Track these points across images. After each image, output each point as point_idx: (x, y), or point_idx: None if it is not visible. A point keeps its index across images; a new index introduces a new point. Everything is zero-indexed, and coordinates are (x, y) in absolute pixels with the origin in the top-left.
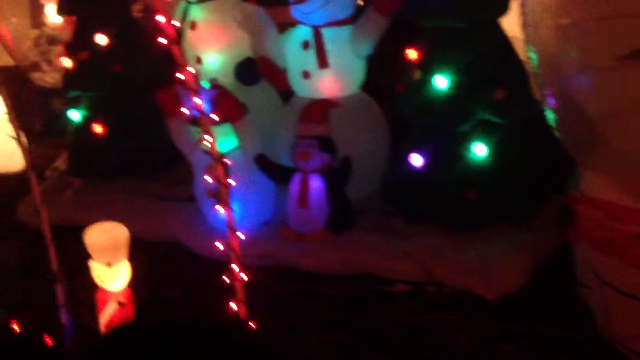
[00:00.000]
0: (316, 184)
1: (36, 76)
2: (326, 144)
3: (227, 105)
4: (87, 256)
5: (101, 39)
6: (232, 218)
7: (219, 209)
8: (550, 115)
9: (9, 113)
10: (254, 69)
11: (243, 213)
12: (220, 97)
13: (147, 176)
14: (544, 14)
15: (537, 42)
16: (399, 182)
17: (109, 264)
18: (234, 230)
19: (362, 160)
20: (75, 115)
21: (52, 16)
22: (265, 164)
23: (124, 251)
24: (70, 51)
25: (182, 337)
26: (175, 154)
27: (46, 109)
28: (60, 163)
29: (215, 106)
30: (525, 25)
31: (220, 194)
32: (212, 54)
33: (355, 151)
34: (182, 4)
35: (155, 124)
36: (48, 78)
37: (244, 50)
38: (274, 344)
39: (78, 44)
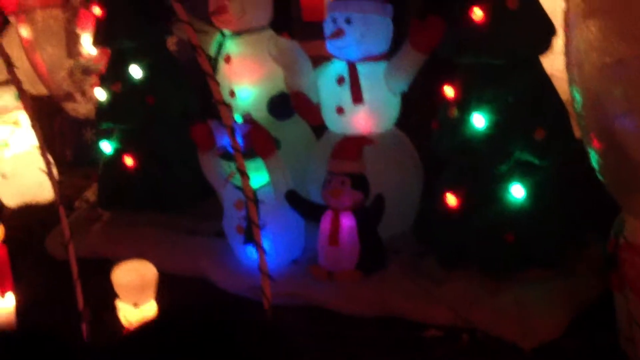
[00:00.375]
0: (348, 222)
1: (69, 106)
2: (359, 182)
3: (260, 140)
4: (114, 291)
5: (135, 71)
6: (264, 259)
7: (250, 248)
8: (594, 158)
9: (41, 146)
10: (287, 104)
11: (272, 250)
12: (253, 132)
13: (177, 210)
14: (588, 53)
15: (582, 81)
16: (433, 222)
17: (135, 305)
18: (266, 273)
19: (394, 198)
20: (106, 147)
21: (88, 47)
22: (296, 201)
23: (152, 291)
24: (104, 83)
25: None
26: (205, 188)
27: (78, 139)
28: (90, 194)
29: (248, 141)
30: (569, 65)
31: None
32: (245, 87)
33: (388, 189)
34: (217, 37)
35: (186, 157)
36: (81, 109)
37: (278, 84)
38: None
39: (112, 75)
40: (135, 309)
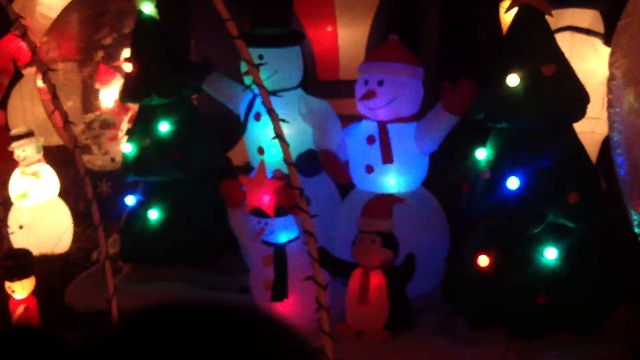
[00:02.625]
0: (377, 280)
1: (85, 159)
2: (389, 240)
3: (291, 197)
4: None
5: (164, 127)
6: (326, 319)
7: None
8: (636, 222)
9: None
10: (315, 161)
11: (299, 306)
12: (284, 189)
13: (197, 265)
14: (631, 119)
15: (625, 146)
16: (462, 282)
17: None
18: (328, 333)
19: (421, 257)
20: (130, 200)
21: (105, 101)
22: (325, 258)
23: None
24: (131, 136)
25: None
26: (225, 243)
27: (94, 192)
28: (109, 246)
29: (280, 197)
30: (612, 130)
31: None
32: (274, 144)
33: (415, 248)
34: (248, 95)
35: (208, 212)
36: (97, 161)
37: (306, 142)
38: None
39: (139, 129)
40: None
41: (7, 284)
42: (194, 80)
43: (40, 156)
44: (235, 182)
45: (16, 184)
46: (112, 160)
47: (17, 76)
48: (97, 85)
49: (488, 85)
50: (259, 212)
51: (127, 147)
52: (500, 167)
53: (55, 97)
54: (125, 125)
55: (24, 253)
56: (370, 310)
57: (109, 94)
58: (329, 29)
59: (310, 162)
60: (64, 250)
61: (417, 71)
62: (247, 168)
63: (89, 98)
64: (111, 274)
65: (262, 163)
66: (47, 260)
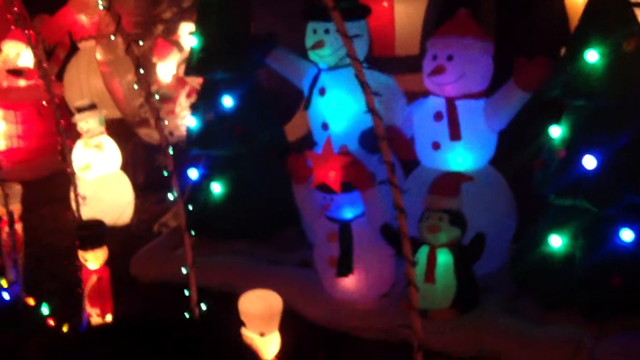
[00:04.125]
0: (444, 259)
1: (143, 132)
2: (457, 219)
3: (358, 173)
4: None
5: (227, 101)
6: (415, 297)
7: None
8: None
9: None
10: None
11: (363, 283)
12: (351, 165)
13: (259, 239)
14: None
15: None
16: (532, 262)
17: (262, 334)
18: (417, 311)
19: (487, 236)
20: (193, 173)
21: (163, 75)
22: (391, 235)
23: (277, 321)
24: (196, 110)
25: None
26: (287, 218)
27: (150, 164)
28: (169, 219)
29: (346, 174)
30: None
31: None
32: (339, 120)
33: (482, 227)
34: (313, 71)
35: (271, 186)
36: (155, 134)
37: (370, 118)
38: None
39: (204, 104)
40: (262, 338)
41: (81, 254)
42: (258, 55)
43: (103, 129)
44: (301, 157)
45: (79, 155)
46: (170, 134)
47: (73, 50)
48: (154, 59)
49: (565, 61)
50: (324, 188)
51: (191, 121)
52: (576, 146)
53: (139, 68)
54: (183, 100)
55: (98, 223)
56: (436, 288)
57: (166, 68)
58: (385, 4)
59: (375, 138)
60: (126, 222)
61: (487, 46)
62: (300, 144)
63: (147, 72)
64: (190, 246)
65: (329, 139)
66: (110, 232)
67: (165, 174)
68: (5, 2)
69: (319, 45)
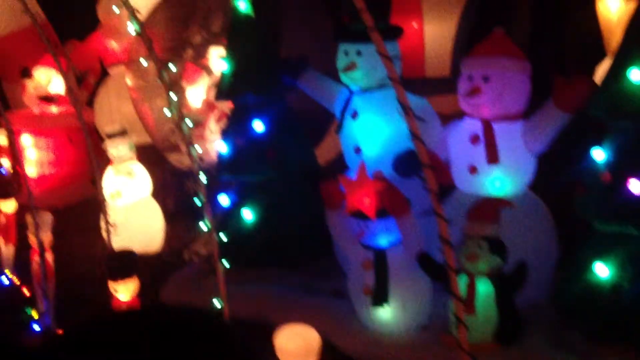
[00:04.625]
0: (484, 288)
1: (173, 157)
2: (497, 246)
3: (393, 199)
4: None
5: (258, 125)
6: (465, 335)
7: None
8: None
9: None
10: (414, 161)
11: (400, 314)
12: (386, 191)
13: (291, 267)
14: None
15: None
16: (578, 292)
17: None
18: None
19: (529, 265)
20: (224, 200)
21: (192, 99)
22: (428, 263)
23: (314, 359)
24: (226, 135)
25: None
26: (320, 245)
27: (180, 190)
28: (200, 247)
29: (382, 199)
30: None
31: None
32: (372, 144)
33: (522, 255)
34: (344, 93)
35: (303, 212)
36: (185, 160)
37: (404, 141)
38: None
39: (234, 128)
40: None
41: (111, 284)
42: (289, 78)
43: (133, 155)
44: (334, 183)
45: (110, 182)
46: (201, 159)
47: (103, 75)
48: (183, 84)
49: (608, 80)
50: (359, 214)
51: (221, 146)
52: (621, 169)
53: (169, 91)
54: (212, 124)
55: (128, 253)
56: (477, 320)
57: (195, 93)
58: (415, 24)
59: (409, 162)
60: (156, 250)
61: (524, 66)
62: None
63: (177, 97)
64: (223, 277)
65: (362, 164)
66: (141, 260)
67: (198, 202)
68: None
69: (351, 67)
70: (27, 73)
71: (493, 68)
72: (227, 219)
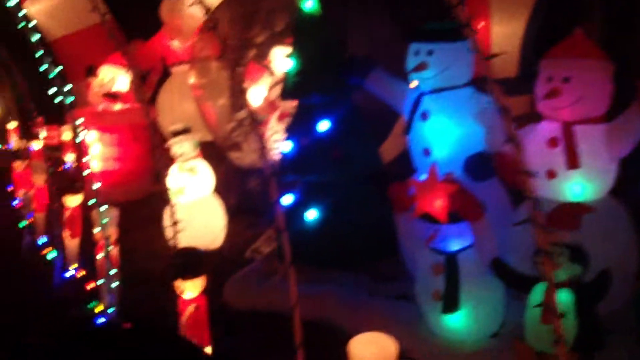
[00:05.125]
0: (564, 298)
1: (234, 155)
2: (577, 254)
3: (466, 202)
4: None
5: (323, 125)
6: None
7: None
8: None
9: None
10: (488, 165)
11: (472, 321)
12: (458, 194)
13: (355, 268)
14: None
15: None
16: None
17: None
18: None
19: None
20: (288, 199)
21: (254, 99)
22: (502, 270)
23: None
24: (290, 135)
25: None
26: (385, 247)
27: (241, 188)
28: (262, 245)
29: (454, 203)
30: None
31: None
32: (442, 146)
33: (603, 262)
34: (413, 94)
35: (368, 214)
36: (246, 158)
37: (476, 144)
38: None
39: (299, 128)
40: None
41: (178, 283)
42: (356, 78)
43: (196, 152)
44: (403, 185)
45: (173, 179)
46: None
47: (165, 74)
48: (246, 83)
49: None
50: (429, 218)
51: (286, 146)
52: None
53: (241, 92)
54: (274, 123)
55: (195, 251)
56: (555, 329)
57: (257, 92)
58: (482, 24)
59: (482, 165)
60: (218, 246)
61: (606, 67)
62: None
63: (238, 96)
64: (295, 280)
65: (434, 166)
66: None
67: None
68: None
69: (421, 67)
70: (92, 71)
71: (574, 69)
72: (290, 220)
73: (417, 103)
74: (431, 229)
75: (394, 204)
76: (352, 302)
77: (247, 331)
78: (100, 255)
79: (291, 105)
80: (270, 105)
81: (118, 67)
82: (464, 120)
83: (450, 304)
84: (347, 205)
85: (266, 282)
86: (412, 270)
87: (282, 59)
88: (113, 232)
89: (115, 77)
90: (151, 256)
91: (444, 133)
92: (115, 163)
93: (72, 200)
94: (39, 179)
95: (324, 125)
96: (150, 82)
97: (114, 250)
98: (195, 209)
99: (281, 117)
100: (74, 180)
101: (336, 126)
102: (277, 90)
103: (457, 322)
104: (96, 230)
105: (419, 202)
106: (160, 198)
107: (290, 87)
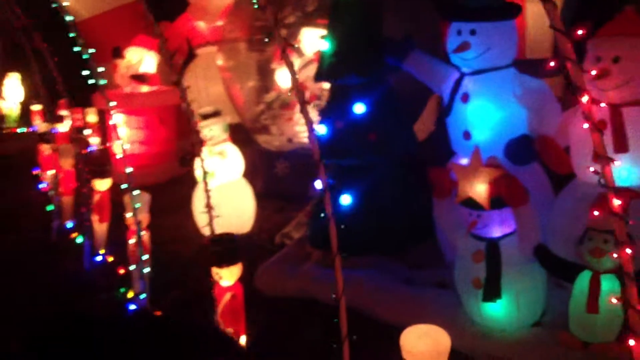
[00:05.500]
0: (610, 286)
1: (262, 139)
2: None
3: (510, 187)
4: None
5: (359, 107)
6: None
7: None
8: None
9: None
10: (530, 148)
11: (513, 309)
12: (502, 179)
13: (390, 255)
14: None
15: None
16: None
17: None
18: None
19: None
20: (319, 184)
21: (281, 81)
22: (547, 257)
23: None
24: (325, 118)
25: None
26: (421, 232)
27: (269, 171)
28: (292, 230)
29: (497, 188)
30: None
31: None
32: (482, 129)
33: None
34: (454, 75)
35: (404, 198)
36: (275, 142)
37: (518, 127)
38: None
39: (334, 110)
40: None
41: (215, 270)
42: (394, 59)
43: (226, 136)
44: (444, 170)
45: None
46: (289, 141)
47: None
48: (273, 65)
49: None
50: (471, 204)
51: (320, 129)
52: None
53: (294, 74)
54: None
55: (231, 238)
56: (601, 319)
57: (285, 74)
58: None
59: (524, 149)
60: (247, 231)
61: None
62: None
63: (267, 78)
64: (340, 269)
65: (477, 149)
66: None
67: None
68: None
69: (464, 47)
70: (118, 53)
71: (624, 48)
72: (323, 204)
73: (457, 84)
74: (473, 215)
75: (434, 188)
76: (389, 289)
77: (279, 318)
78: (132, 241)
79: (319, 86)
80: (302, 87)
81: (145, 49)
82: (506, 103)
83: (492, 292)
84: (383, 190)
85: (298, 267)
86: (449, 257)
87: (312, 40)
88: (145, 218)
89: (142, 59)
90: (179, 240)
91: (485, 116)
92: (141, 146)
93: (101, 184)
94: (66, 163)
95: (360, 108)
96: (175, 64)
97: (145, 235)
98: (225, 193)
99: (310, 99)
100: (104, 164)
101: (373, 109)
102: (307, 71)
103: (498, 311)
104: (128, 215)
105: (461, 187)
106: (184, 181)
107: (326, 69)
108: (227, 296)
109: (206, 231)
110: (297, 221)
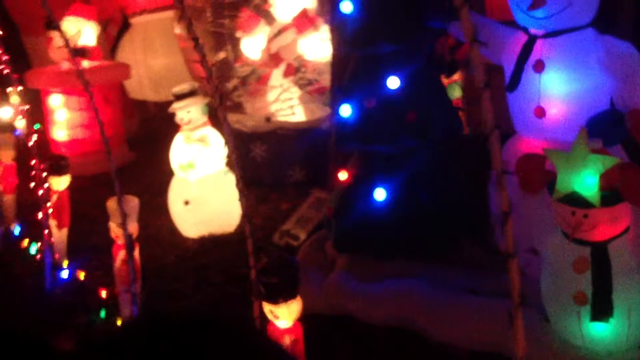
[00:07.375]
0: None
1: (233, 118)
2: None
3: (631, 180)
4: None
5: (392, 82)
6: None
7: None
8: None
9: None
10: (619, 124)
11: (624, 327)
12: (620, 169)
13: (436, 258)
14: None
15: None
16: None
17: None
18: None
19: None
20: (344, 175)
21: (248, 51)
22: None
23: None
24: (348, 95)
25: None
26: (469, 230)
27: (245, 157)
28: (294, 227)
29: (609, 180)
30: None
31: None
32: (560, 103)
33: None
34: (521, 38)
35: (450, 189)
36: (249, 121)
37: (603, 99)
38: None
39: (360, 86)
40: None
41: (269, 307)
42: (438, 21)
43: (206, 119)
44: (538, 159)
45: (180, 152)
46: (267, 120)
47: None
48: (238, 34)
49: None
50: (577, 200)
51: (344, 110)
52: None
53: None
54: (278, 81)
55: (288, 261)
56: None
57: (253, 43)
58: None
59: (613, 125)
60: (232, 229)
61: None
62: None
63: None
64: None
65: (584, 131)
66: (225, 242)
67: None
68: None
69: (539, 3)
70: (52, 25)
71: None
72: (353, 200)
73: (526, 50)
74: (577, 213)
75: (522, 181)
76: (445, 303)
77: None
78: (119, 257)
79: (299, 57)
80: (273, 59)
81: (83, 19)
82: (589, 70)
83: (603, 309)
84: (425, 181)
85: (323, 279)
86: (525, 262)
87: (286, 3)
88: (134, 229)
89: (80, 30)
90: (160, 244)
91: (566, 87)
92: (85, 130)
93: (59, 183)
94: (5, 155)
95: (394, 82)
96: (108, 35)
97: (136, 252)
98: (208, 185)
99: (287, 72)
100: (61, 158)
101: (410, 83)
102: (280, 41)
103: (606, 330)
104: (112, 224)
105: (562, 180)
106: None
107: (351, 36)
108: (286, 340)
109: (188, 232)
110: (298, 216)
